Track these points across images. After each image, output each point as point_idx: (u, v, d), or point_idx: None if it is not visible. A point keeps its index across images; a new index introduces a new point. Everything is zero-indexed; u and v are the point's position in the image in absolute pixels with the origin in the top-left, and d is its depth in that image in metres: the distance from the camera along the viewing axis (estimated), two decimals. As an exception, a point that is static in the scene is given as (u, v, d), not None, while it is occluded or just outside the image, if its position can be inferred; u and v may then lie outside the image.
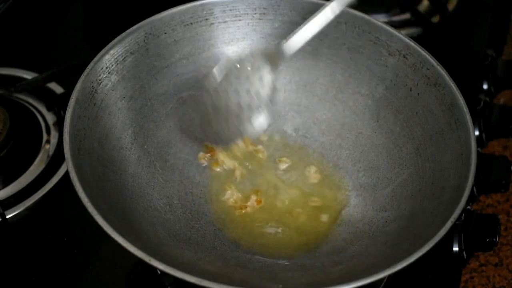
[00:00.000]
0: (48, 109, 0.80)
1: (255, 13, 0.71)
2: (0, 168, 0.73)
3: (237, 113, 0.62)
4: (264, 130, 0.66)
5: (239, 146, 0.67)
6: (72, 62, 0.82)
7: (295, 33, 0.61)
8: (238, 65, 0.62)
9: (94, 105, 0.62)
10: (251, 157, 0.69)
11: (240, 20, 0.71)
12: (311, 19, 0.61)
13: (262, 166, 0.69)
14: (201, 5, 0.69)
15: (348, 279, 0.50)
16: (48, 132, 0.78)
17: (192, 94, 0.70)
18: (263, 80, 0.62)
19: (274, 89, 0.62)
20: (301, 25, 0.62)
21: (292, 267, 0.60)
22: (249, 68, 0.61)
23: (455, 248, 0.67)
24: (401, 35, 0.67)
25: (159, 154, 0.67)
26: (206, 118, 0.64)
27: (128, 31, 0.66)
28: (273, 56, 0.62)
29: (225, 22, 0.71)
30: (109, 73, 0.64)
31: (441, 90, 0.64)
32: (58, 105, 0.80)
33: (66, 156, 0.55)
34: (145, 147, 0.66)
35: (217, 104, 0.62)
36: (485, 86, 0.87)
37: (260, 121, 0.62)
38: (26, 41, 0.92)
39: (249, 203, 0.65)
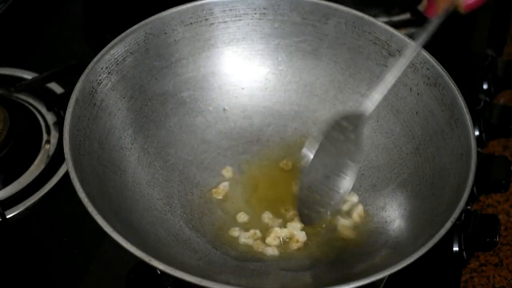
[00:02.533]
0: (48, 109, 0.80)
1: (255, 13, 0.71)
2: (0, 168, 0.73)
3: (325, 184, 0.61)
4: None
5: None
6: (72, 62, 0.82)
7: (371, 94, 0.60)
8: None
9: (94, 105, 0.62)
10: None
11: (240, 20, 0.71)
12: (388, 72, 0.60)
13: (263, 165, 0.69)
14: (201, 5, 0.69)
15: (348, 279, 0.50)
16: (48, 132, 0.78)
17: (191, 94, 0.70)
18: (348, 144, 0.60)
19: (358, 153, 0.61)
20: (378, 81, 0.60)
21: (291, 267, 0.60)
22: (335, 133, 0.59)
23: (455, 248, 0.67)
24: (401, 35, 0.67)
25: (159, 154, 0.67)
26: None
27: (128, 31, 0.66)
28: (356, 118, 0.60)
29: (225, 22, 0.70)
30: (109, 73, 0.64)
31: (441, 90, 0.64)
32: (58, 105, 0.80)
33: (66, 156, 0.55)
34: (145, 147, 0.66)
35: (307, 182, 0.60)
36: (485, 86, 0.87)
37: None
38: (26, 41, 0.92)
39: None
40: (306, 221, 0.61)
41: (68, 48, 0.91)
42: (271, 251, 0.61)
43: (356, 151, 0.61)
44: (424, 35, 0.59)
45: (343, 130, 0.59)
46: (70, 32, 0.94)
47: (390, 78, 0.59)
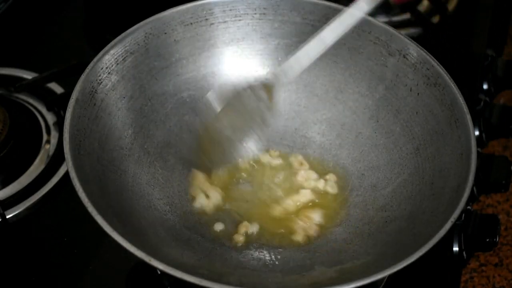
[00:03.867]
0: (48, 109, 0.80)
1: (255, 13, 0.71)
2: (0, 168, 0.73)
3: (230, 140, 0.63)
4: (257, 152, 0.67)
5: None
6: (72, 62, 0.82)
7: (290, 59, 0.62)
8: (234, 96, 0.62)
9: (94, 105, 0.62)
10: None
11: (240, 20, 0.71)
12: (306, 43, 0.62)
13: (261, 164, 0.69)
14: (201, 5, 0.69)
15: (348, 279, 0.50)
16: (48, 132, 0.78)
17: (191, 94, 0.70)
18: (260, 108, 0.62)
19: (269, 116, 0.63)
20: (297, 50, 0.62)
21: (292, 267, 0.60)
22: (245, 99, 0.62)
23: (455, 248, 0.67)
24: (401, 35, 0.67)
25: (159, 154, 0.67)
26: (201, 146, 0.64)
27: (128, 31, 0.66)
28: (271, 86, 0.63)
29: (225, 22, 0.70)
30: (109, 73, 0.64)
31: (441, 90, 0.64)
32: (58, 105, 0.80)
33: (66, 156, 0.55)
34: (145, 147, 0.66)
35: (212, 133, 0.63)
36: (485, 86, 0.87)
37: (254, 142, 0.63)
38: (26, 41, 0.92)
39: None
40: (204, 168, 0.63)
41: (68, 48, 0.91)
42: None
43: (269, 115, 0.63)
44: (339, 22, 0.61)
45: (257, 98, 0.61)
46: (70, 32, 0.94)
47: (314, 48, 0.61)
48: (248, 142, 0.63)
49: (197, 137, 0.64)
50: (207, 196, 0.65)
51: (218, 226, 0.63)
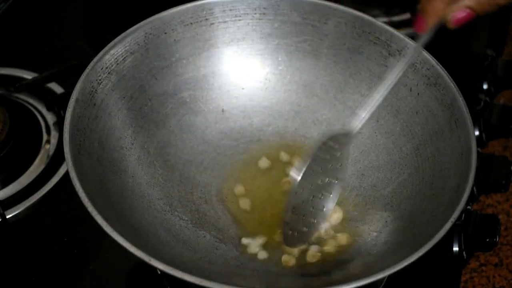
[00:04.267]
0: (48, 109, 0.80)
1: (255, 13, 0.71)
2: (0, 168, 0.73)
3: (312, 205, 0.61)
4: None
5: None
6: (72, 62, 0.82)
7: (359, 112, 0.60)
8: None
9: (94, 105, 0.62)
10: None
11: (240, 20, 0.71)
12: (375, 91, 0.60)
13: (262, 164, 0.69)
14: (201, 5, 0.69)
15: (348, 279, 0.50)
16: (48, 132, 0.78)
17: (192, 94, 0.70)
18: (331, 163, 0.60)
19: (342, 171, 0.61)
20: (366, 100, 0.60)
21: (292, 267, 0.60)
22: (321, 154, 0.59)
23: (455, 248, 0.67)
24: (401, 35, 0.67)
25: (159, 154, 0.67)
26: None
27: (128, 31, 0.66)
28: (342, 137, 0.60)
29: (225, 22, 0.70)
30: (109, 73, 0.64)
31: (441, 90, 0.64)
32: (58, 105, 0.80)
33: (66, 156, 0.55)
34: (145, 147, 0.66)
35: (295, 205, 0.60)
36: (485, 86, 0.87)
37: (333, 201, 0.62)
38: (26, 41, 0.92)
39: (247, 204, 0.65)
40: (290, 242, 0.61)
41: (68, 48, 0.91)
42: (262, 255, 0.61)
43: (341, 168, 0.61)
44: (413, 53, 0.60)
45: (329, 150, 0.60)
46: (70, 32, 0.94)
47: (377, 96, 0.59)
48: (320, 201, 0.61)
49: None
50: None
51: (219, 225, 0.63)
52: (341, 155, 0.60)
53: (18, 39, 0.92)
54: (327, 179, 0.60)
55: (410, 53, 0.60)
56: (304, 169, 0.58)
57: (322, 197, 0.61)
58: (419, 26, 0.58)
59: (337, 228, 0.63)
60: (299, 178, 0.58)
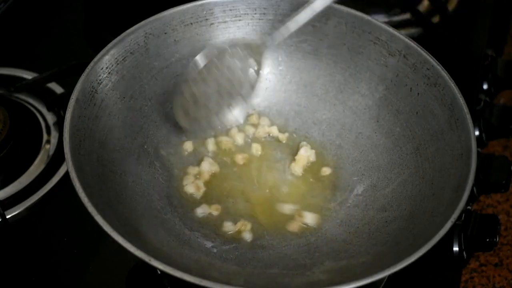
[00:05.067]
0: (48, 109, 0.80)
1: (255, 13, 0.71)
2: (0, 168, 0.73)
3: (216, 101, 0.64)
4: (243, 119, 0.68)
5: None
6: (72, 62, 0.82)
7: (279, 27, 0.63)
8: (220, 54, 0.63)
9: (94, 105, 0.62)
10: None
11: (240, 20, 0.71)
12: (298, 12, 0.63)
13: (263, 165, 0.69)
14: (201, 5, 0.69)
15: (348, 279, 0.50)
16: (48, 132, 0.78)
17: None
18: (247, 70, 0.63)
19: (256, 79, 0.64)
20: (288, 18, 0.63)
21: (292, 267, 0.60)
22: (231, 58, 0.63)
23: (455, 248, 0.67)
24: (401, 35, 0.67)
25: (159, 153, 0.67)
26: (185, 108, 0.64)
27: (128, 31, 0.66)
28: (257, 47, 0.64)
29: (225, 22, 0.70)
30: (109, 73, 0.64)
31: (441, 90, 0.64)
32: (58, 105, 0.79)
33: (66, 156, 0.55)
34: (145, 147, 0.66)
35: (196, 92, 0.63)
36: (485, 86, 0.87)
37: (240, 108, 0.65)
38: (26, 41, 0.92)
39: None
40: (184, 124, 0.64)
41: (68, 48, 0.91)
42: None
43: (248, 86, 0.64)
44: None
45: (241, 58, 0.63)
46: (70, 32, 0.94)
47: (303, 16, 0.62)
48: (233, 106, 0.65)
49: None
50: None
51: (221, 226, 0.63)
52: (252, 70, 0.64)
53: (18, 39, 0.92)
54: (231, 88, 0.64)
55: None
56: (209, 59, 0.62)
57: (230, 96, 0.64)
58: None
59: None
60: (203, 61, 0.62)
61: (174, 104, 0.64)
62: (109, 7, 0.99)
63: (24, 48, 0.91)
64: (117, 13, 0.98)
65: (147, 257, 0.49)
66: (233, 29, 0.71)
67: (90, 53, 0.65)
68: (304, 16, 0.63)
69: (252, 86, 0.65)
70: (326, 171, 0.68)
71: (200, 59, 0.62)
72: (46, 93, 0.81)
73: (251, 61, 0.64)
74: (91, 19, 0.99)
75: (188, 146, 0.68)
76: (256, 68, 0.64)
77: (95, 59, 0.63)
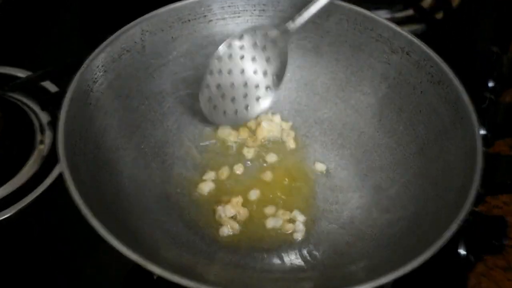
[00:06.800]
0: (42, 109, 0.79)
1: (255, 10, 0.70)
2: (-7, 169, 0.73)
3: (244, 93, 0.65)
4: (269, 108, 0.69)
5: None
6: (67, 60, 0.81)
7: (299, 14, 0.65)
8: (244, 45, 0.65)
9: (90, 104, 0.61)
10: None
11: (239, 17, 0.71)
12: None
13: (263, 166, 0.69)
14: (199, 1, 0.69)
15: (350, 282, 0.50)
16: (42, 132, 0.77)
17: (189, 93, 0.70)
18: (271, 60, 0.65)
19: (283, 67, 0.66)
20: (305, 7, 0.65)
21: (293, 270, 0.60)
22: (254, 49, 0.64)
23: (461, 251, 0.67)
24: (404, 32, 0.67)
25: (156, 154, 0.67)
26: (211, 100, 0.66)
27: (124, 28, 0.66)
28: (279, 35, 0.65)
29: (223, 19, 0.70)
30: (104, 71, 0.64)
31: (445, 88, 0.63)
32: (52, 104, 0.79)
33: (60, 156, 0.55)
34: (141, 147, 0.66)
35: (222, 84, 0.65)
36: (490, 84, 0.87)
37: (268, 99, 0.66)
38: (21, 39, 0.91)
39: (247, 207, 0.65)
40: (212, 117, 0.66)
41: (64, 46, 0.91)
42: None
43: (282, 65, 0.66)
44: None
45: (265, 39, 0.64)
46: (66, 31, 0.94)
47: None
48: (261, 98, 0.66)
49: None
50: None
51: (219, 229, 0.63)
52: (278, 51, 0.65)
53: (12, 37, 0.91)
54: (263, 68, 0.65)
55: None
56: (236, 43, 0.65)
57: (250, 93, 0.66)
58: None
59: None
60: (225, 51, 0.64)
61: (201, 98, 0.66)
62: (105, 5, 0.99)
63: (18, 46, 0.91)
64: (114, 11, 0.97)
65: (144, 261, 0.49)
66: (231, 26, 0.70)
67: (87, 51, 0.64)
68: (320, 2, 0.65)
69: (279, 76, 0.66)
70: (327, 171, 0.68)
71: (223, 50, 0.64)
72: (40, 92, 0.81)
73: (276, 50, 0.65)
74: (87, 17, 0.98)
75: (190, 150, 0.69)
76: (281, 59, 0.65)
77: (90, 57, 0.62)
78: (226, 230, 0.63)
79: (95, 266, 0.66)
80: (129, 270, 0.65)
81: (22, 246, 0.69)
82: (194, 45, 0.70)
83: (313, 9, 0.65)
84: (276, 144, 0.71)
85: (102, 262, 0.66)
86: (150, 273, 0.56)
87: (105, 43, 0.64)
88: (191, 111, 0.70)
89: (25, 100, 0.81)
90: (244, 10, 0.70)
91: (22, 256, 0.68)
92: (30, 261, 0.67)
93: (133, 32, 0.66)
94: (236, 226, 0.63)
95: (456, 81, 0.63)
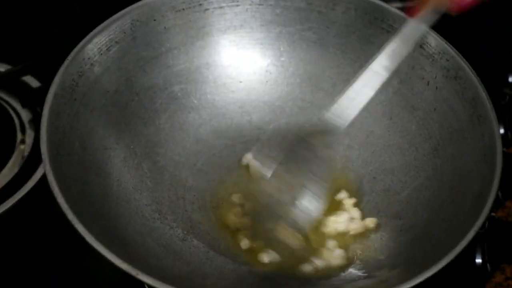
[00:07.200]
0: (23, 105, 0.80)
1: (255, -2, 0.71)
2: (-30, 171, 0.73)
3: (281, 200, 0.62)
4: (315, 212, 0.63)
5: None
6: (50, 53, 0.81)
7: (341, 99, 0.60)
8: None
9: (75, 100, 0.61)
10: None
11: (237, 5, 0.71)
12: (358, 79, 0.60)
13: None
14: (195, -12, 0.69)
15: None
16: (23, 131, 0.77)
17: (183, 88, 0.70)
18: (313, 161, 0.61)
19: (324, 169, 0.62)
20: (348, 88, 0.60)
21: (296, 279, 0.60)
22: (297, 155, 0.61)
23: (478, 260, 0.67)
24: (417, 22, 0.67)
25: (147, 154, 0.67)
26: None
27: (113, 17, 0.66)
28: (323, 135, 0.61)
29: (221, 7, 0.70)
30: (91, 64, 0.64)
31: (462, 83, 0.64)
32: (34, 100, 0.80)
33: (43, 157, 0.55)
34: (131, 147, 0.66)
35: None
36: (510, 79, 0.87)
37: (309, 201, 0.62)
38: (16, 36, 0.92)
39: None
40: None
41: (61, 43, 0.91)
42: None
43: (325, 168, 0.61)
44: (399, 42, 0.60)
45: (311, 148, 0.60)
46: (62, 27, 0.94)
47: (369, 91, 0.60)
48: (302, 202, 0.61)
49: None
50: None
51: (214, 234, 0.63)
52: (321, 155, 0.61)
53: (6, 34, 0.91)
54: (310, 179, 0.61)
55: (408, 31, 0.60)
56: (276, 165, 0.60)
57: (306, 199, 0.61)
58: (412, 10, 0.59)
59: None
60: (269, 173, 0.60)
61: None
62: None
63: (15, 44, 0.91)
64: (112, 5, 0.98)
65: (134, 271, 0.49)
66: (230, 15, 0.71)
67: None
68: (371, 79, 0.60)
69: (326, 180, 0.62)
70: (333, 174, 0.68)
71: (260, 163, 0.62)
72: (20, 88, 0.81)
73: (317, 147, 0.61)
74: (85, 16, 0.99)
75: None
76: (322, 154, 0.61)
77: (76, 49, 0.63)
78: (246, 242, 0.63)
79: (83, 275, 0.66)
80: (119, 279, 0.65)
81: (2, 254, 0.69)
82: (188, 36, 0.70)
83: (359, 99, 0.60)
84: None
85: (90, 271, 0.66)
86: (142, 282, 0.56)
87: (91, 33, 0.64)
88: (185, 108, 0.70)
89: (4, 96, 0.81)
90: (243, -2, 0.71)
91: (3, 265, 0.68)
92: (12, 271, 0.68)
93: (123, 22, 0.66)
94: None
95: (473, 76, 0.63)
